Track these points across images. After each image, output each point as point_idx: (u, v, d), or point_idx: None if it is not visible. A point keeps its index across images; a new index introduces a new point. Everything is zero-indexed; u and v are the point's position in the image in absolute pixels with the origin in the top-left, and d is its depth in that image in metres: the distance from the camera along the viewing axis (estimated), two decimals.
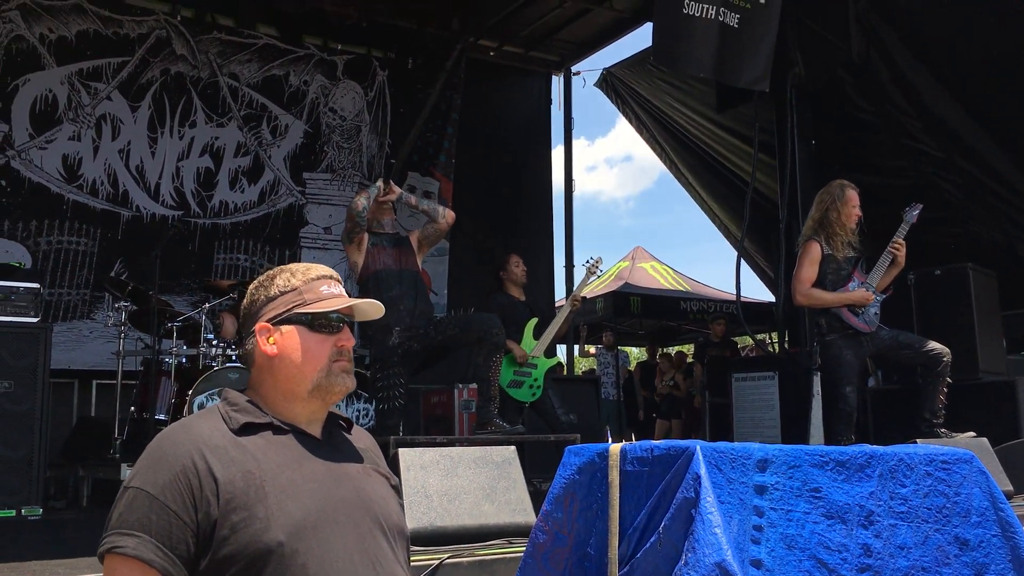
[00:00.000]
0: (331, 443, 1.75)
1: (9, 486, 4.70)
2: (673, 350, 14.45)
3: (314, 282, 1.78)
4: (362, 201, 5.18)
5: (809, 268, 5.26)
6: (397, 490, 1.81)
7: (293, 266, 1.83)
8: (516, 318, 6.24)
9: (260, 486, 1.54)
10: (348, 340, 1.77)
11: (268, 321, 1.74)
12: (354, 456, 1.77)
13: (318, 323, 1.74)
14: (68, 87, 8.74)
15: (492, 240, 10.55)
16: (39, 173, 8.52)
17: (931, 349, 5.16)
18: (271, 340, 1.72)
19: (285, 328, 1.73)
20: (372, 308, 1.81)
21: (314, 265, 1.84)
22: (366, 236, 5.29)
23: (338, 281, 1.83)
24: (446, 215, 5.47)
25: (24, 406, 4.82)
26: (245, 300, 1.81)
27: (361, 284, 5.34)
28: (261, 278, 1.82)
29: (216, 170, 9.48)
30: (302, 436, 1.69)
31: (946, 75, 7.99)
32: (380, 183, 5.34)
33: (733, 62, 7.32)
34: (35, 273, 7.86)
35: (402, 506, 1.90)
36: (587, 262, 6.65)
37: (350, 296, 1.81)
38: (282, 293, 1.76)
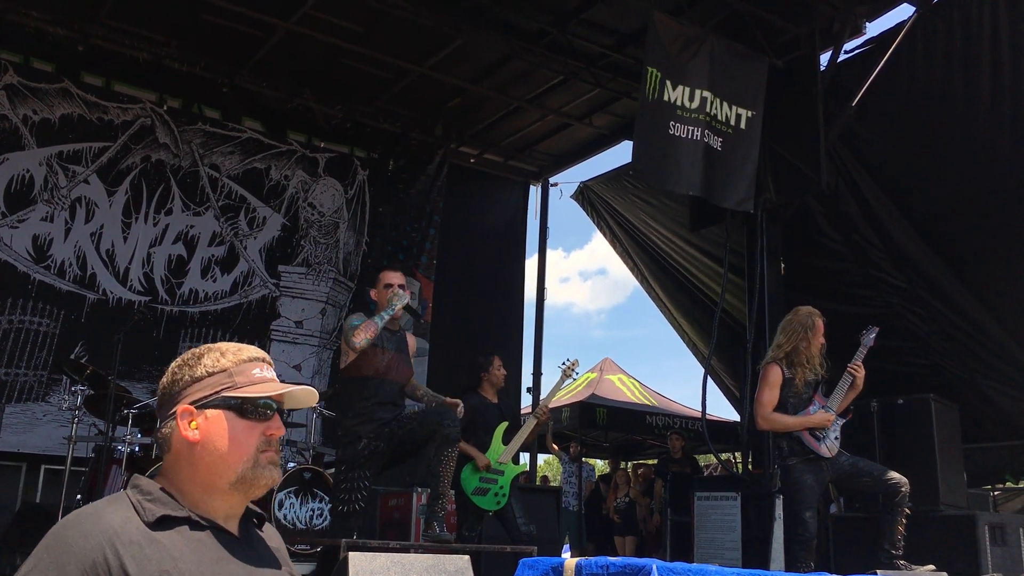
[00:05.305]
0: (249, 542, 1.62)
1: None
2: (629, 465, 14.29)
3: (246, 364, 1.64)
4: (363, 340, 4.89)
5: (770, 392, 5.26)
6: None
7: (223, 345, 1.67)
8: (487, 420, 6.12)
9: None
10: (278, 429, 1.62)
11: (192, 404, 1.58)
12: (271, 559, 1.65)
13: (248, 409, 1.59)
14: (46, 168, 8.76)
15: (465, 342, 10.53)
16: (7, 251, 8.45)
17: (890, 478, 5.13)
18: (193, 425, 1.57)
19: (211, 412, 1.57)
20: (307, 396, 1.68)
21: (245, 346, 1.69)
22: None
23: (270, 365, 1.69)
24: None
25: None
26: (165, 378, 1.65)
27: (344, 378, 5.20)
28: (186, 356, 1.66)
29: (188, 258, 9.47)
30: (220, 534, 1.55)
31: (913, 212, 8.20)
32: (406, 294, 5.14)
33: (720, 183, 7.51)
34: None
35: None
36: (563, 364, 6.55)
37: (282, 381, 1.68)
38: (210, 374, 1.60)
